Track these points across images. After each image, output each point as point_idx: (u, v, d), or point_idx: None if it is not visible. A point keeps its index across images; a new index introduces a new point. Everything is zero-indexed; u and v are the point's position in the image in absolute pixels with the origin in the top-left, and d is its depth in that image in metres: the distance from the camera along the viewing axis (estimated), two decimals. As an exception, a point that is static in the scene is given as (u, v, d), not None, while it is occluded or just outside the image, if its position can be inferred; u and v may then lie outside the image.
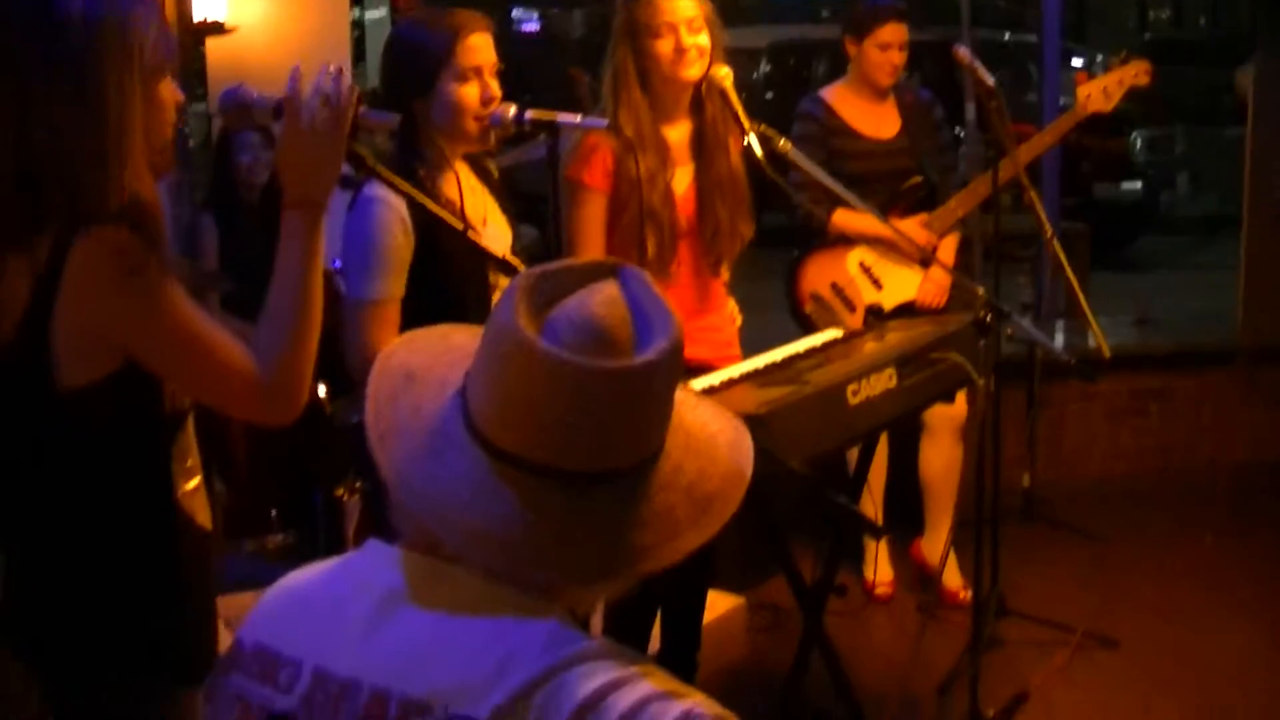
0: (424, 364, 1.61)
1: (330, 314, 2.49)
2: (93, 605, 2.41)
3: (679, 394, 1.57)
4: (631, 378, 1.45)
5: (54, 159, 2.22)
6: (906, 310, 5.10)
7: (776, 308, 5.33)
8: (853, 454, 4.25)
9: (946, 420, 5.31)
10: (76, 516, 2.39)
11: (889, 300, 5.15)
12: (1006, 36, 14.58)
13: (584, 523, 1.48)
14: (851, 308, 5.16)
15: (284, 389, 2.37)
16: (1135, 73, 5.17)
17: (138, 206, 2.26)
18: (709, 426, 1.62)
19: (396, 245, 3.28)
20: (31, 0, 2.23)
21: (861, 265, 5.16)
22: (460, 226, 2.65)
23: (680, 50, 3.92)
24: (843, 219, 5.08)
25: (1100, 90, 5.11)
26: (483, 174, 3.60)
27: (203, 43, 6.73)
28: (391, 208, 3.28)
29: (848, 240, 5.12)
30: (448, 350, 1.63)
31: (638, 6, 3.98)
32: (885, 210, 5.07)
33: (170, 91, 2.35)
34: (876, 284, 5.15)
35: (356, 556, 1.60)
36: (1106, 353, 4.75)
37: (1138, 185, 12.76)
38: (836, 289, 5.18)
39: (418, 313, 3.32)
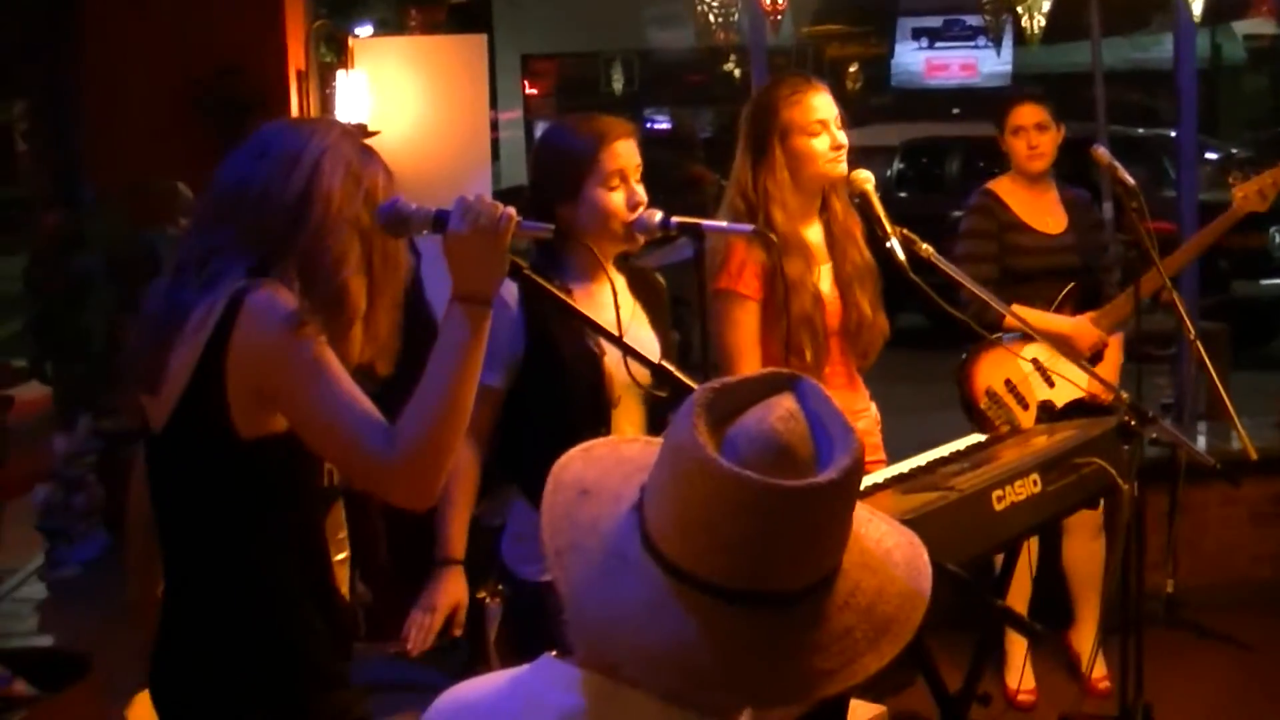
0: (597, 478, 1.60)
1: None
2: (239, 650, 2.53)
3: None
4: (815, 496, 1.42)
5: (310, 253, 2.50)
6: (1079, 407, 5.05)
7: (912, 410, 5.29)
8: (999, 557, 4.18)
9: (1083, 517, 5.25)
10: (241, 565, 2.52)
11: (1061, 397, 5.11)
12: (1140, 131, 14.44)
13: (765, 646, 1.45)
14: (1025, 405, 5.17)
15: (413, 475, 2.41)
16: None
17: (333, 288, 2.49)
18: (884, 542, 1.59)
19: (496, 341, 3.29)
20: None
21: (1035, 362, 5.14)
22: (616, 333, 2.66)
23: (836, 147, 3.96)
24: (1017, 316, 5.10)
25: (1255, 191, 5.12)
26: (639, 281, 3.62)
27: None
28: (503, 305, 3.32)
29: (1020, 337, 5.11)
30: (619, 463, 1.62)
31: (792, 107, 4.01)
32: (1053, 307, 5.22)
33: (403, 252, 2.63)
34: (1049, 381, 5.14)
35: (529, 673, 1.59)
36: (1253, 454, 4.65)
37: (1278, 282, 12.53)
38: (1010, 386, 5.20)
39: (528, 416, 3.40)
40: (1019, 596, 5.12)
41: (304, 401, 2.41)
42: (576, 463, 1.63)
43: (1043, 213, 5.37)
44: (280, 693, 2.53)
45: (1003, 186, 5.43)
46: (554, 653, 1.60)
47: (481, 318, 2.43)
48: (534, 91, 22.94)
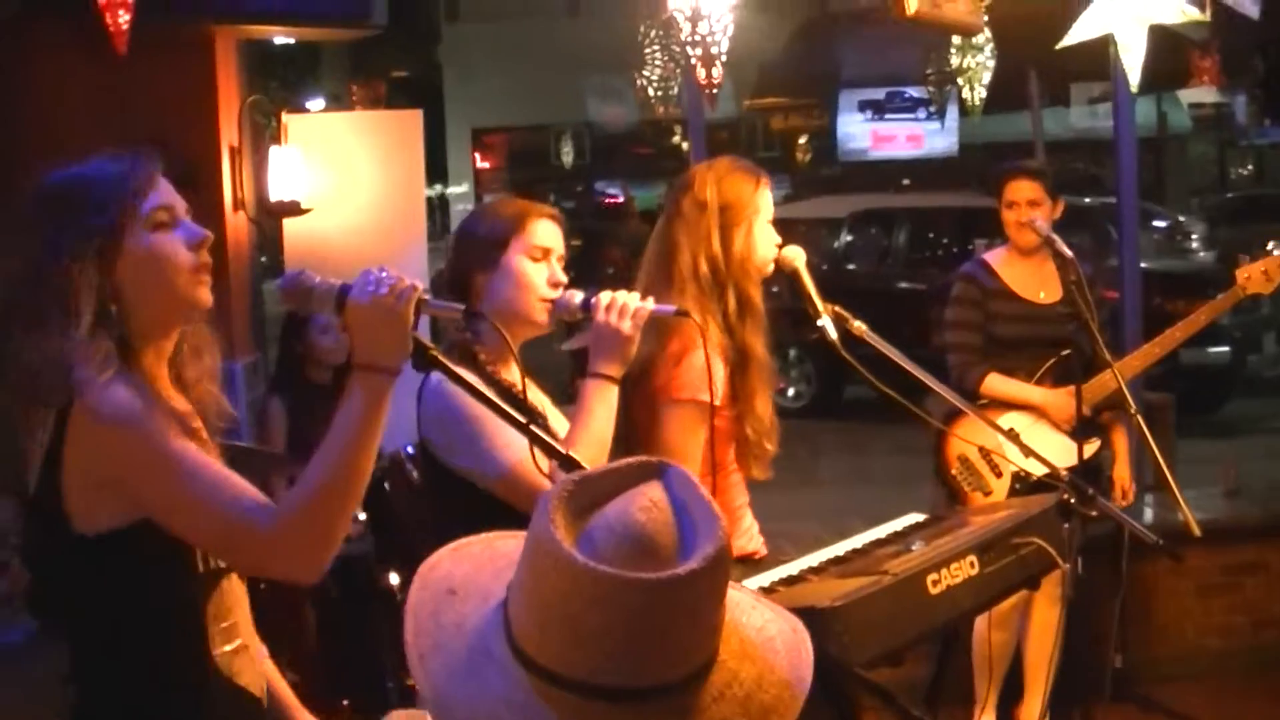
0: (467, 576, 1.56)
1: (403, 501, 2.44)
2: None
3: (734, 594, 1.50)
4: (676, 588, 1.37)
5: None
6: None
7: (858, 482, 5.23)
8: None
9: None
10: (111, 660, 2.44)
11: (1037, 468, 5.00)
12: (1085, 200, 14.50)
13: None
14: (998, 474, 5.13)
15: (295, 546, 2.34)
16: None
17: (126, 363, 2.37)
18: (766, 630, 1.55)
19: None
20: None
21: (1011, 432, 5.03)
22: (524, 421, 2.53)
23: (777, 243, 3.79)
24: (992, 385, 5.16)
25: (1260, 272, 5.09)
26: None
27: (280, 222, 6.82)
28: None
29: (999, 405, 5.04)
30: (492, 559, 1.58)
31: (763, 193, 3.81)
32: (1034, 378, 5.18)
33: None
34: (1025, 451, 5.00)
35: None
36: (1196, 531, 4.59)
37: (1225, 349, 12.57)
38: (984, 454, 5.12)
39: (465, 507, 3.19)
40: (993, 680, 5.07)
41: (161, 493, 2.33)
42: (445, 562, 1.59)
43: (1035, 283, 5.33)
44: None
45: (998, 255, 5.44)
46: None
47: (382, 389, 2.35)
48: (485, 165, 23.04)
